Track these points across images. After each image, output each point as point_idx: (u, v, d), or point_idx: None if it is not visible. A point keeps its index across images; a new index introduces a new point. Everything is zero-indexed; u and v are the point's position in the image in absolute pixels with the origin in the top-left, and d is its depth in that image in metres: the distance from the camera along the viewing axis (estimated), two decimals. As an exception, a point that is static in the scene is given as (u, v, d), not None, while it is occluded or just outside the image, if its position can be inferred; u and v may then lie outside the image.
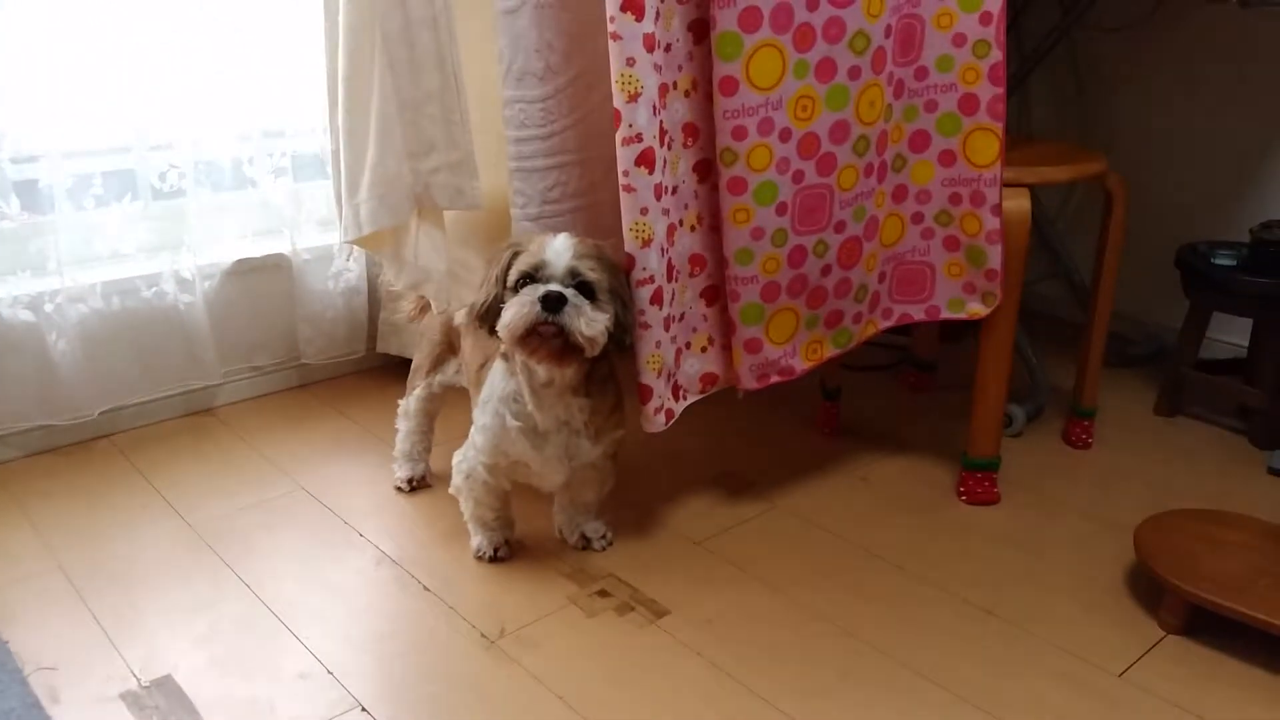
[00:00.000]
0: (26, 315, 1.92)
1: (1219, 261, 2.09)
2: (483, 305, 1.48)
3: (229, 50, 2.04)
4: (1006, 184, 1.70)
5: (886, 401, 2.29)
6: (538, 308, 1.38)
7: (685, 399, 1.70)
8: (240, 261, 2.18)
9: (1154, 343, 2.49)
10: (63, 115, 1.90)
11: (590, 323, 1.40)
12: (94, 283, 2.00)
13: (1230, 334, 2.37)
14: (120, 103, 1.96)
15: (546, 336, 1.40)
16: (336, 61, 1.65)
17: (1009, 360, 1.77)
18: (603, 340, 1.42)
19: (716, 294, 1.70)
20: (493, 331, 1.46)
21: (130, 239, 2.06)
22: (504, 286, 1.45)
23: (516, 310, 1.40)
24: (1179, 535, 1.58)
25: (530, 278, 1.42)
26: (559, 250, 1.42)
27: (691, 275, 1.66)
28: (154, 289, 2.08)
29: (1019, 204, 1.70)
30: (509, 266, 1.45)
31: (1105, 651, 1.47)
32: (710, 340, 1.72)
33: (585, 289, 1.42)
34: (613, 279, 1.45)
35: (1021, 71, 2.47)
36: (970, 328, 1.85)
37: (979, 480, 1.84)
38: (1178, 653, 1.47)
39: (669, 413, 1.63)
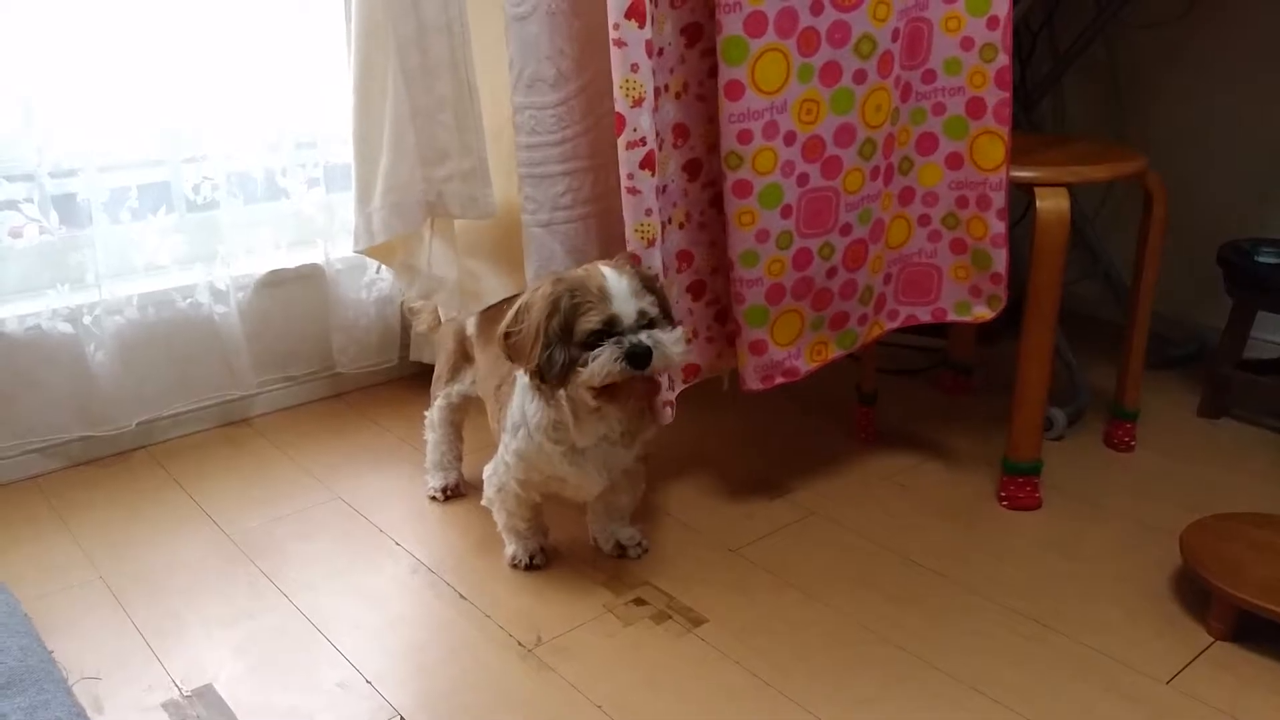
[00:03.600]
0: (65, 327, 1.94)
1: (1262, 259, 2.05)
2: (539, 361, 1.39)
3: (261, 63, 2.06)
4: (1045, 183, 1.69)
5: (923, 405, 2.27)
6: (626, 366, 1.37)
7: (674, 390, 1.70)
8: (274, 272, 2.19)
9: (1196, 343, 2.45)
10: (99, 130, 1.92)
11: (676, 348, 1.41)
12: (130, 294, 2.02)
13: (1275, 333, 2.33)
14: (154, 116, 1.98)
15: (635, 386, 1.41)
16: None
17: (1049, 362, 1.75)
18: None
19: (703, 288, 1.71)
20: (559, 386, 1.42)
21: (165, 251, 2.08)
22: (566, 341, 1.39)
23: (603, 371, 1.37)
24: (1226, 539, 1.55)
25: (603, 333, 1.39)
26: (624, 297, 1.39)
27: (678, 271, 1.67)
28: (189, 300, 2.09)
29: (1057, 204, 1.67)
30: (571, 318, 1.39)
31: (1152, 658, 1.44)
32: (694, 333, 1.73)
33: (651, 324, 1.42)
34: (662, 299, 1.45)
35: (1056, 70, 2.44)
36: (1009, 329, 1.83)
37: (1020, 485, 1.82)
38: (1226, 659, 1.44)
39: (671, 404, 1.64)
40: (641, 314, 1.40)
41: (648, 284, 1.44)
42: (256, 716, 1.35)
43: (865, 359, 2.04)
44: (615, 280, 1.40)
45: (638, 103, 1.43)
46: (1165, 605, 1.56)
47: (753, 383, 1.72)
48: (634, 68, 1.41)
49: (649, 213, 1.49)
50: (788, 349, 1.72)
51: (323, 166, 2.20)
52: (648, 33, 1.40)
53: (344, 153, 2.20)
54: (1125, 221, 2.53)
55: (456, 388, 1.82)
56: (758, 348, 1.69)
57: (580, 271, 1.43)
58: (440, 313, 1.79)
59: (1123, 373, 2.01)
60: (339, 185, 2.23)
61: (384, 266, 2.26)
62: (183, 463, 2.05)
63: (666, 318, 1.45)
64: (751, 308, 1.65)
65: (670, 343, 1.40)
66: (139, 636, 1.52)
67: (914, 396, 2.31)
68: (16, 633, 1.12)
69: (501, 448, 1.59)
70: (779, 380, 1.73)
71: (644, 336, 1.39)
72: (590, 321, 1.38)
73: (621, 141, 1.45)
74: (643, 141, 1.45)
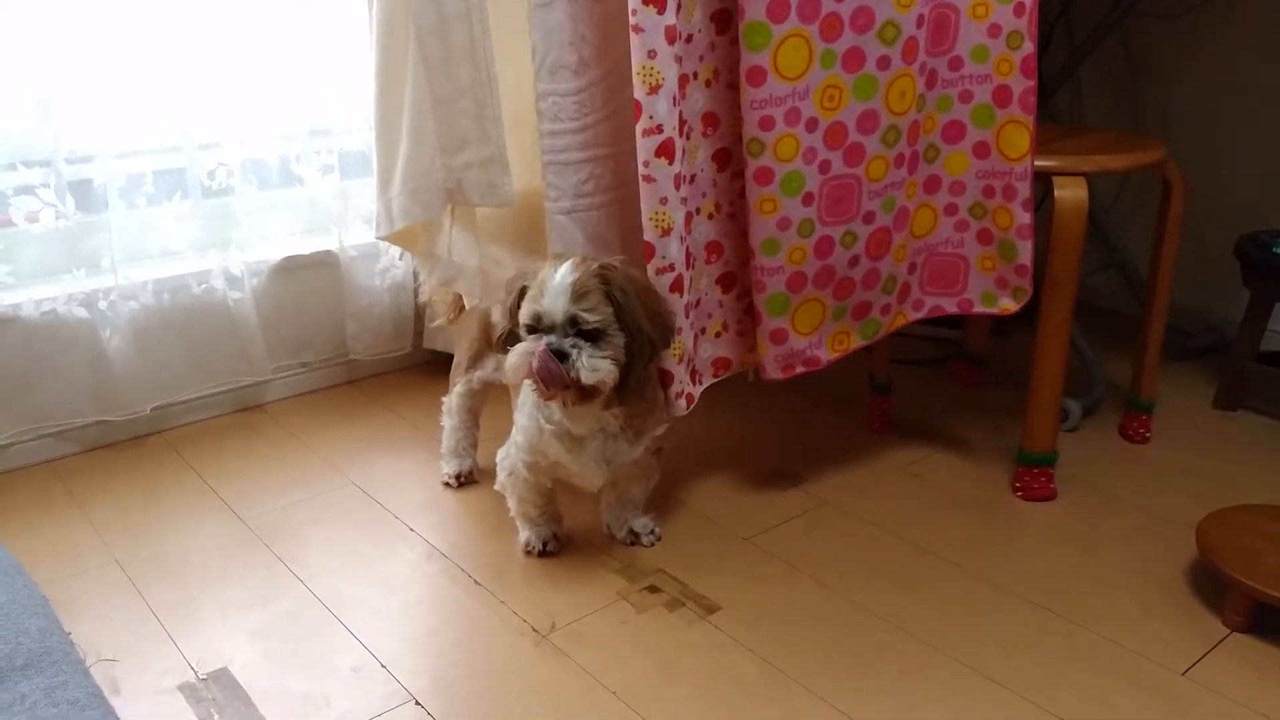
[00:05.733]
0: (81, 312, 1.95)
1: (1281, 251, 2.04)
2: (499, 337, 1.50)
3: (276, 50, 2.06)
4: (1063, 173, 1.68)
5: (938, 396, 2.26)
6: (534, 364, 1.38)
7: (702, 383, 1.71)
8: (288, 258, 2.20)
9: (1213, 335, 2.43)
10: (115, 116, 1.92)
11: (591, 371, 1.38)
12: (146, 280, 2.03)
13: (1292, 326, 2.31)
14: (170, 103, 1.98)
15: (556, 389, 1.40)
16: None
17: (1065, 353, 1.74)
18: (611, 379, 1.40)
19: (733, 281, 1.70)
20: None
21: (181, 237, 2.08)
22: (515, 323, 1.45)
23: (516, 361, 1.40)
24: (1243, 531, 1.55)
25: (532, 328, 1.41)
26: (556, 295, 1.38)
27: (708, 262, 1.66)
28: (204, 286, 2.10)
29: (1075, 193, 1.66)
30: (517, 305, 1.44)
31: (1168, 650, 1.44)
32: (725, 326, 1.72)
33: (585, 333, 1.39)
34: (620, 308, 1.40)
35: (1073, 61, 2.43)
36: (1024, 320, 1.82)
37: (1035, 476, 1.81)
38: (1243, 651, 1.44)
39: (689, 397, 1.64)
40: (572, 320, 1.38)
41: (608, 290, 1.40)
42: (272, 700, 1.36)
43: (879, 349, 2.03)
44: (561, 277, 1.39)
45: (654, 89, 1.42)
46: (1181, 597, 1.55)
47: (773, 372, 1.71)
48: (651, 54, 1.41)
49: (664, 201, 1.49)
50: (809, 338, 1.71)
51: (337, 154, 2.20)
52: (667, 19, 1.39)
53: (358, 140, 2.22)
54: (1141, 213, 2.52)
55: (478, 374, 1.83)
56: (778, 336, 1.68)
57: (546, 261, 1.44)
58: (465, 300, 1.80)
59: (1139, 364, 2.00)
60: (353, 172, 2.23)
61: (403, 253, 2.27)
62: (198, 448, 2.05)
63: (625, 331, 1.40)
64: (772, 296, 1.64)
65: (585, 360, 1.38)
66: (155, 620, 1.52)
67: (928, 387, 2.31)
68: (35, 614, 1.12)
69: (514, 429, 1.60)
70: (800, 370, 1.72)
71: (568, 343, 1.38)
72: (523, 313, 1.42)
73: (638, 129, 1.45)
74: (659, 129, 1.44)
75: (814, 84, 1.53)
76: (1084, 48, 2.39)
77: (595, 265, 1.42)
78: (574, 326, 1.39)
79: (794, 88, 1.51)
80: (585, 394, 1.41)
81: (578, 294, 1.38)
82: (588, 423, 1.51)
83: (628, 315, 1.41)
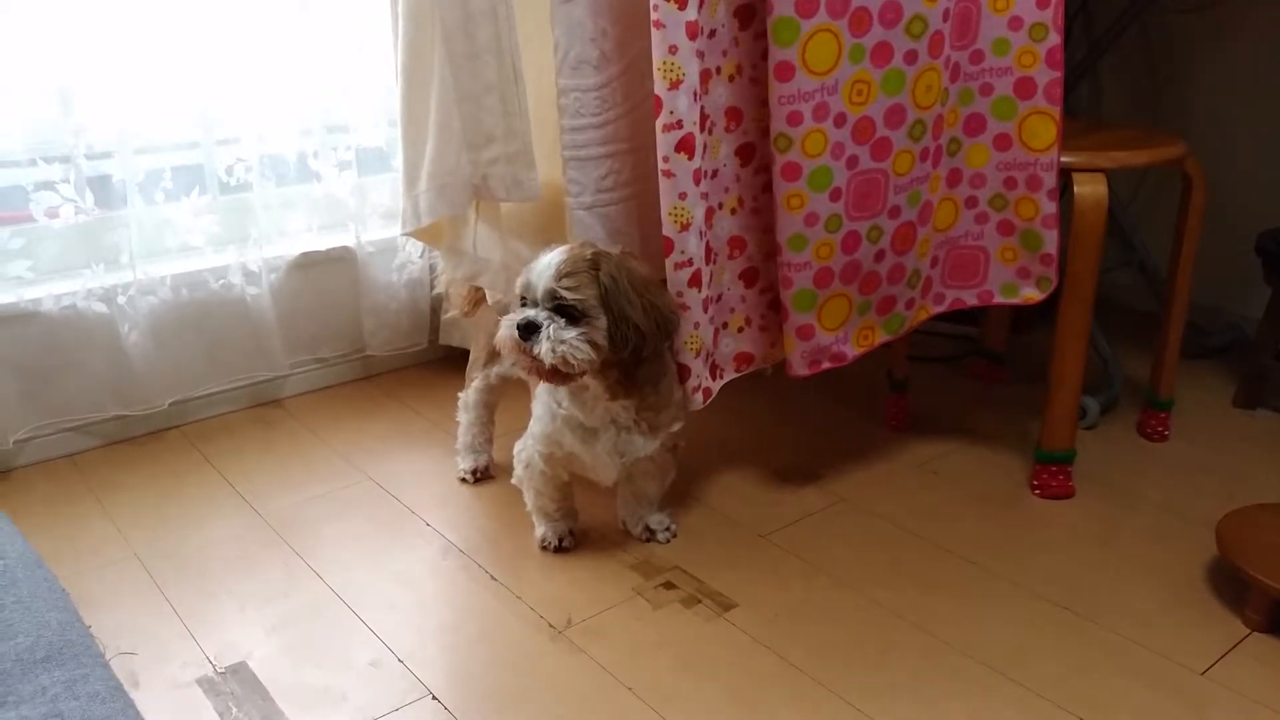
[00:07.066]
0: (100, 307, 1.96)
1: (1303, 248, 2.02)
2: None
3: (294, 46, 2.06)
4: (1083, 169, 1.67)
5: (955, 393, 2.25)
6: (515, 333, 1.41)
7: (722, 378, 1.71)
8: (305, 254, 2.20)
9: (1233, 333, 2.41)
10: (134, 112, 1.93)
11: (554, 348, 1.38)
12: (164, 275, 2.03)
13: (1313, 323, 2.29)
14: (189, 99, 1.99)
15: (532, 360, 1.42)
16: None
17: (1084, 350, 1.73)
18: (579, 361, 1.40)
19: (755, 275, 1.70)
20: None
21: (199, 232, 2.09)
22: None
23: (501, 333, 1.43)
24: (1264, 529, 1.53)
25: (523, 299, 1.44)
26: (540, 272, 1.42)
27: (730, 257, 1.66)
28: (222, 281, 2.11)
29: (1095, 189, 1.65)
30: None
31: (1187, 649, 1.43)
32: (747, 321, 1.72)
33: (565, 310, 1.40)
34: (606, 292, 1.40)
35: (1092, 56, 2.41)
36: (1043, 317, 1.81)
37: (1053, 473, 1.80)
38: (1263, 651, 1.43)
39: (706, 391, 1.64)
40: (551, 293, 1.40)
41: (596, 275, 1.40)
42: (290, 694, 1.36)
43: (897, 346, 2.02)
44: (552, 256, 1.42)
45: (675, 85, 1.42)
46: (1200, 596, 1.54)
47: (800, 368, 1.71)
48: (672, 49, 1.41)
49: (683, 196, 1.49)
50: (835, 334, 1.71)
51: (354, 150, 2.20)
52: (688, 14, 1.39)
53: (376, 136, 2.22)
54: (1160, 209, 2.50)
55: (496, 369, 1.83)
56: (805, 332, 1.68)
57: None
58: (488, 295, 1.80)
59: (1157, 362, 1.99)
60: (370, 168, 2.23)
61: (422, 250, 2.28)
62: (215, 443, 2.06)
63: (609, 316, 1.40)
64: (799, 292, 1.64)
65: (555, 334, 1.39)
66: (174, 614, 1.53)
67: (946, 384, 2.30)
68: (56, 607, 1.13)
69: (532, 420, 1.61)
70: (826, 365, 1.72)
71: (542, 316, 1.40)
72: (516, 286, 1.45)
73: (658, 124, 1.45)
74: (679, 124, 1.44)
75: (843, 79, 1.52)
76: (1103, 42, 2.38)
77: (589, 250, 1.44)
78: (553, 301, 1.40)
79: (822, 83, 1.51)
80: (555, 372, 1.42)
81: (561, 272, 1.40)
82: (597, 413, 1.52)
83: (612, 300, 1.41)
